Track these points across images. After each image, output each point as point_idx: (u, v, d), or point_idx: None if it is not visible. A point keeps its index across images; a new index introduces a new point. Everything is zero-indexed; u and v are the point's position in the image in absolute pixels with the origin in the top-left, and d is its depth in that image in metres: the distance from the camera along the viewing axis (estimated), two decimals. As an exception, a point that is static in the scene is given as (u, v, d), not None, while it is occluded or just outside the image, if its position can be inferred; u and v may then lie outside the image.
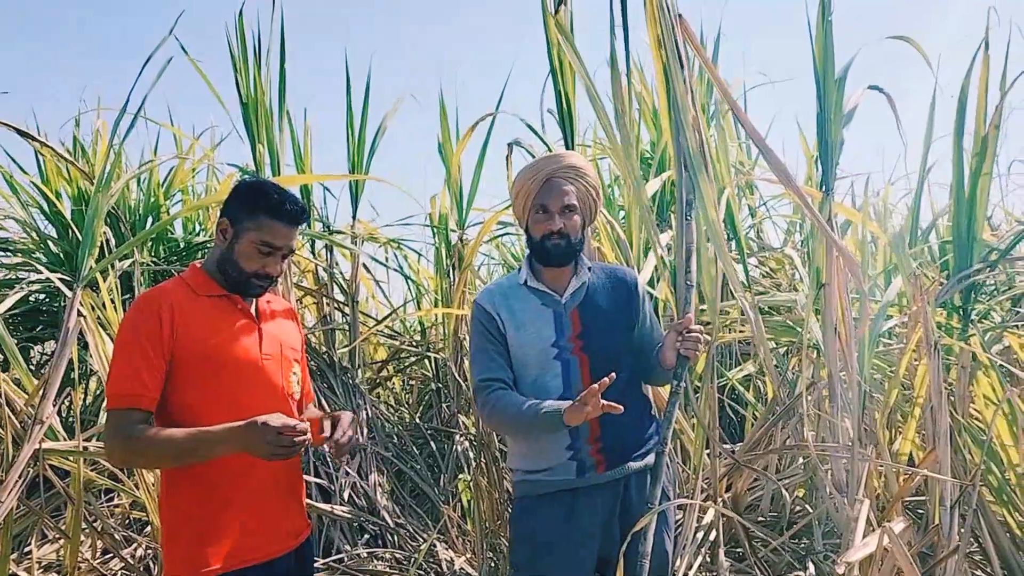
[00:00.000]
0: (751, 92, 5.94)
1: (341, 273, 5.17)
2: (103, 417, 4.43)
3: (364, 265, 5.41)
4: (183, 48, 4.35)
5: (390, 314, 5.97)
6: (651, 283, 3.55)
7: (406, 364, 6.00)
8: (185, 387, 1.82)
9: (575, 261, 2.23)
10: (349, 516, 3.98)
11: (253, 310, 1.99)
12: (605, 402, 1.86)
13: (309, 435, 1.74)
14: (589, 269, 2.27)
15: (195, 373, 1.82)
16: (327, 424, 1.90)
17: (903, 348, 3.04)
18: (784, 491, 3.18)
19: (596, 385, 1.85)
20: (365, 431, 4.57)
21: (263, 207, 1.90)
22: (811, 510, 3.45)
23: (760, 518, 3.69)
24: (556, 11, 2.95)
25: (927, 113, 3.33)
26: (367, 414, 4.70)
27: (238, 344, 1.89)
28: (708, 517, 2.89)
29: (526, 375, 2.16)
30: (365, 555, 3.90)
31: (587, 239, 3.13)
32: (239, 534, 1.84)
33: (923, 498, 3.28)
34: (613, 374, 1.90)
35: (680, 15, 2.28)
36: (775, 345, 4.26)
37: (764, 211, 5.76)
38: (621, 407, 1.88)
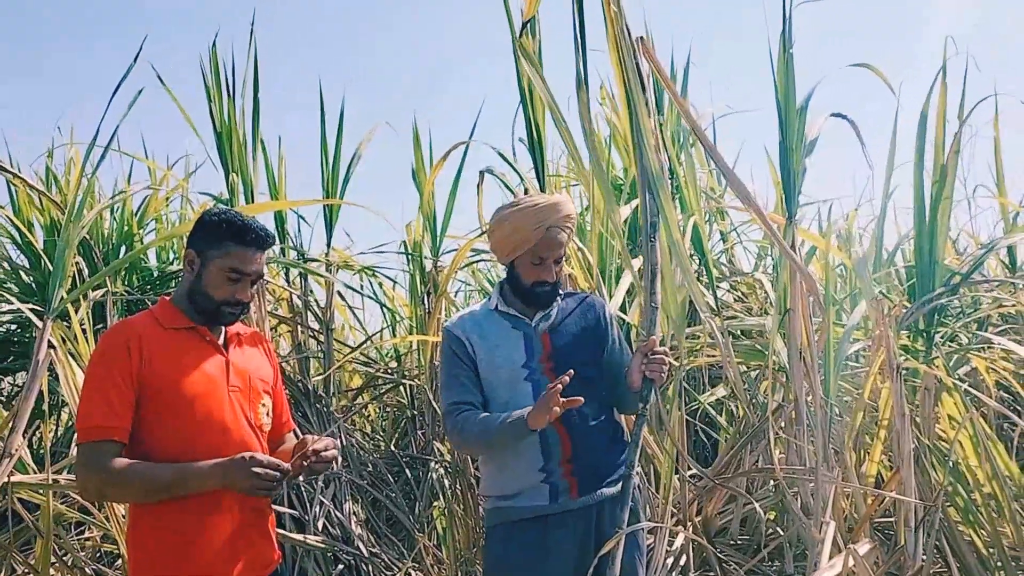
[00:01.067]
0: (722, 120, 6.02)
1: (316, 301, 5.16)
2: (73, 449, 4.37)
3: (339, 293, 5.41)
4: (159, 77, 4.37)
5: (365, 341, 5.97)
6: (623, 308, 3.59)
7: (381, 392, 5.98)
8: (151, 419, 1.82)
9: None
10: (323, 546, 3.96)
11: (222, 341, 2.00)
12: (565, 399, 1.90)
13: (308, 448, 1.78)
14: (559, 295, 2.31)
15: (161, 405, 1.83)
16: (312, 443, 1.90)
17: (868, 371, 3.09)
18: (760, 510, 3.20)
19: (557, 383, 1.89)
20: (339, 459, 4.55)
21: (228, 234, 1.92)
22: (782, 532, 3.48)
23: (731, 541, 3.71)
24: (520, 34, 3.00)
25: (889, 139, 3.41)
26: (342, 442, 4.69)
27: (204, 376, 1.90)
28: (678, 541, 2.92)
29: (497, 397, 2.19)
30: (339, 585, 3.88)
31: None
32: (202, 566, 1.83)
33: (892, 519, 3.32)
34: (580, 398, 1.93)
35: (641, 38, 2.32)
36: (746, 369, 4.31)
37: (735, 236, 5.84)
38: (581, 399, 1.93)
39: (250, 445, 1.92)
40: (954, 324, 4.04)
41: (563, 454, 2.13)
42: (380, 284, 6.12)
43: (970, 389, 3.36)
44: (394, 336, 6.10)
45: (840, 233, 3.93)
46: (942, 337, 3.61)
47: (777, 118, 2.91)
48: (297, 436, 2.19)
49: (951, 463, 3.01)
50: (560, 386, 1.89)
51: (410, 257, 5.36)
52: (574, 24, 2.42)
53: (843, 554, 2.32)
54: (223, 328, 2.02)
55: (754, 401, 3.68)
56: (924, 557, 2.70)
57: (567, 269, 3.58)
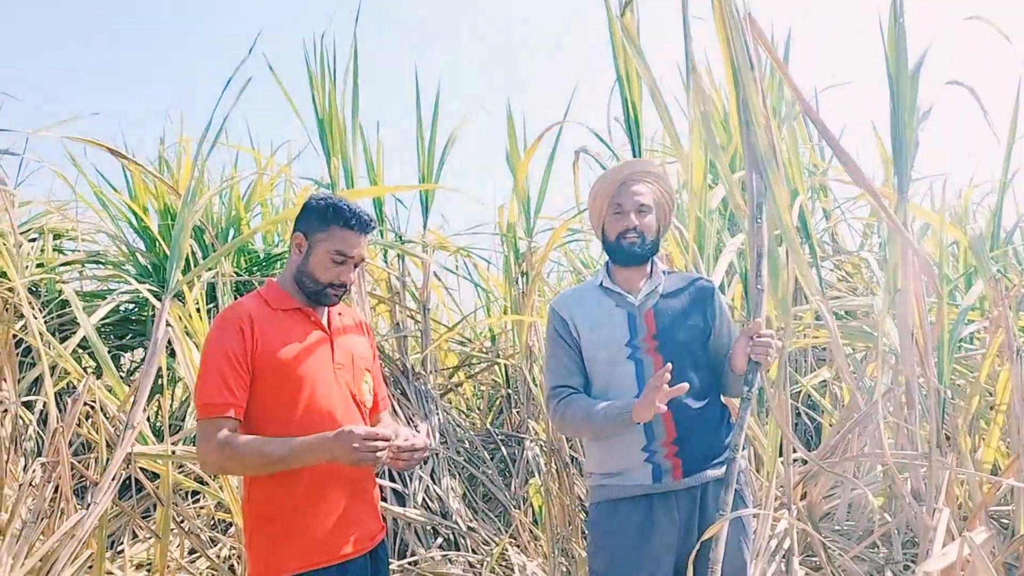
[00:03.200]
0: (823, 93, 5.81)
1: (413, 281, 5.26)
2: (189, 422, 4.62)
3: (435, 273, 5.50)
4: (271, 68, 4.53)
5: (460, 321, 6.06)
6: (721, 288, 3.52)
7: (477, 370, 6.07)
8: (264, 395, 1.92)
9: (651, 266, 2.26)
10: (423, 519, 4.06)
11: (325, 322, 2.07)
12: (668, 389, 1.92)
13: (394, 442, 1.82)
14: (664, 273, 2.29)
15: (273, 382, 1.92)
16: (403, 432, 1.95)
17: (985, 353, 2.95)
18: (871, 496, 3.10)
19: (661, 376, 1.91)
20: (437, 436, 4.64)
21: (335, 218, 2.00)
22: (890, 519, 3.36)
23: (836, 527, 3.62)
24: (622, 13, 2.95)
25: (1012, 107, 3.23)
26: (439, 419, 4.78)
27: (312, 354, 1.98)
28: (782, 525, 2.86)
29: (599, 375, 2.20)
30: (439, 558, 3.97)
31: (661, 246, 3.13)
32: (315, 536, 1.92)
33: (1010, 507, 3.17)
34: (685, 384, 1.95)
35: (749, 14, 2.26)
36: (852, 350, 4.17)
37: (839, 213, 5.64)
38: (686, 385, 1.95)
39: (354, 420, 2.00)
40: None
41: (666, 435, 2.12)
42: (475, 265, 6.20)
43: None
44: (488, 316, 6.17)
45: (954, 210, 3.74)
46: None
47: (888, 88, 2.79)
48: (395, 415, 2.25)
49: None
50: (664, 380, 1.91)
51: (504, 238, 5.39)
52: (683, 6, 2.37)
53: (958, 542, 2.23)
54: (326, 309, 2.09)
55: (860, 384, 3.55)
56: (1046, 549, 2.58)
57: (664, 249, 3.54)
